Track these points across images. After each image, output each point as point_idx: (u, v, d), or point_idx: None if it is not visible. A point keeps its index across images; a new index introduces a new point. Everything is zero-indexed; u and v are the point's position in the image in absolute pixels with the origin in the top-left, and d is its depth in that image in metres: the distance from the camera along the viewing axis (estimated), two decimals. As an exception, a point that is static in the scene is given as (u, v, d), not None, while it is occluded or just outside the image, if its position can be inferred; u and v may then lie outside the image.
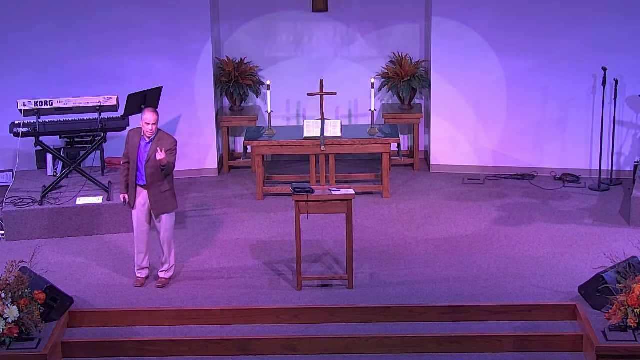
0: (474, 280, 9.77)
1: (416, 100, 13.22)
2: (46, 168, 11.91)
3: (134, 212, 9.70)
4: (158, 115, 9.48)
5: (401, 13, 12.93)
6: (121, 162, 9.70)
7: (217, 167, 12.86)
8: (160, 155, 9.27)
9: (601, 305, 8.98)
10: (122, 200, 9.75)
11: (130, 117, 11.22)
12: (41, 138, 11.00)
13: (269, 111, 12.00)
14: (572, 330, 8.96)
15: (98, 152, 11.71)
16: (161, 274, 9.86)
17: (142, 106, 11.01)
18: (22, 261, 9.08)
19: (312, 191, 9.50)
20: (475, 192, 12.11)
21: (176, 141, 9.60)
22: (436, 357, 8.74)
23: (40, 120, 10.98)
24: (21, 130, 10.92)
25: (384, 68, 13.01)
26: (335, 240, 10.72)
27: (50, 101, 11.03)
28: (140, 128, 9.54)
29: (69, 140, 11.30)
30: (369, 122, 12.77)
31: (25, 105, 10.98)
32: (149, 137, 9.48)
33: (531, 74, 12.37)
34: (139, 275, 9.86)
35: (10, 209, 10.83)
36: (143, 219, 9.69)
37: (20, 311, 8.59)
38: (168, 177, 9.61)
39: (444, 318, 9.15)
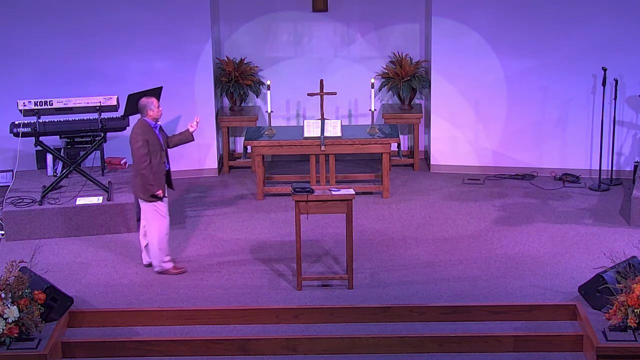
0: (474, 280, 9.76)
1: (416, 100, 13.21)
2: (46, 168, 11.91)
3: (164, 201, 9.77)
4: None
5: (401, 13, 12.93)
6: (146, 164, 9.57)
7: (217, 167, 12.86)
8: (194, 126, 9.90)
9: (601, 305, 8.97)
10: (162, 195, 9.75)
11: (130, 117, 11.21)
12: (41, 138, 11.00)
13: (269, 111, 12.00)
14: (572, 330, 8.96)
15: (98, 152, 11.71)
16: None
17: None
18: (22, 261, 9.08)
19: (312, 191, 9.50)
20: (475, 192, 12.11)
21: None
22: (436, 357, 8.74)
23: (40, 120, 10.97)
24: (21, 130, 10.92)
25: (384, 68, 13.00)
26: (335, 240, 10.71)
27: (50, 101, 11.02)
28: (142, 123, 9.61)
29: (69, 140, 11.29)
30: (369, 122, 12.77)
31: (25, 105, 10.98)
32: (159, 120, 9.72)
33: (531, 74, 12.37)
34: (172, 263, 9.93)
35: (10, 209, 10.83)
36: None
37: (20, 311, 8.59)
38: None
39: (444, 318, 9.15)
